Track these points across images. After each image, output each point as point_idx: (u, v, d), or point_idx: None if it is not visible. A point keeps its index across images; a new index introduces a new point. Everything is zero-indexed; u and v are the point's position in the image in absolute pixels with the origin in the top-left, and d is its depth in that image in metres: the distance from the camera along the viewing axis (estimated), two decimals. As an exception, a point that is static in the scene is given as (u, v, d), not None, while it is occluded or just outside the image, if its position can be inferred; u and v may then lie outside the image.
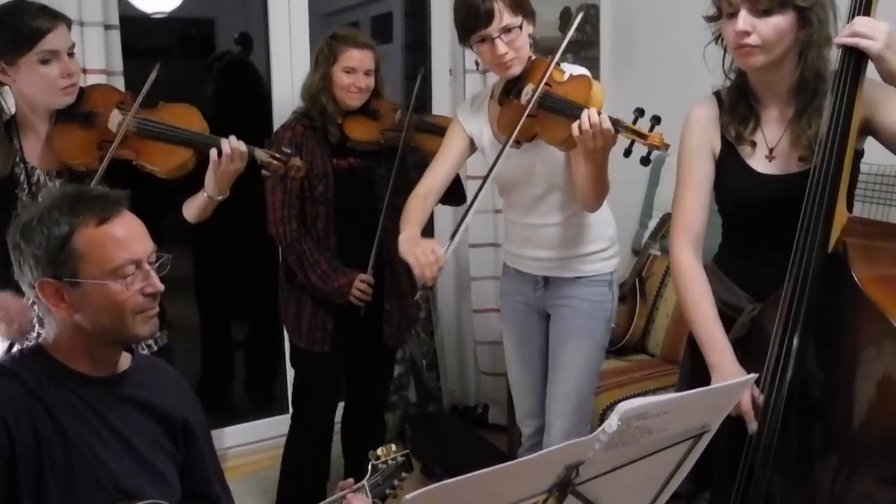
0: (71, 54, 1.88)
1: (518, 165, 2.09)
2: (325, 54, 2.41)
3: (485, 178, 2.03)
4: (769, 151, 1.71)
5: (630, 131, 1.73)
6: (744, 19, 1.58)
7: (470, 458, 3.07)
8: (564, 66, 2.05)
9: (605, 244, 2.22)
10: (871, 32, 1.44)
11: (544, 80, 1.94)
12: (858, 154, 1.68)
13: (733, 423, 1.59)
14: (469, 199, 2.14)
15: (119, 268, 1.36)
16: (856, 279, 1.49)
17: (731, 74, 1.76)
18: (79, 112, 1.94)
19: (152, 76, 1.94)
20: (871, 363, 1.48)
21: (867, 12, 1.49)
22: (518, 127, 1.94)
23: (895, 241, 1.60)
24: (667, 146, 1.71)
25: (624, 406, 0.97)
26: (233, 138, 1.93)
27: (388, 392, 2.86)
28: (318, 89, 2.40)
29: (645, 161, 1.74)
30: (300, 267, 2.42)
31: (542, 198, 2.14)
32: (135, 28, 2.00)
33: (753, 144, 1.72)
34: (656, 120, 1.72)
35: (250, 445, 3.17)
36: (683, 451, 1.14)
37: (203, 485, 1.57)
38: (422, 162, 2.51)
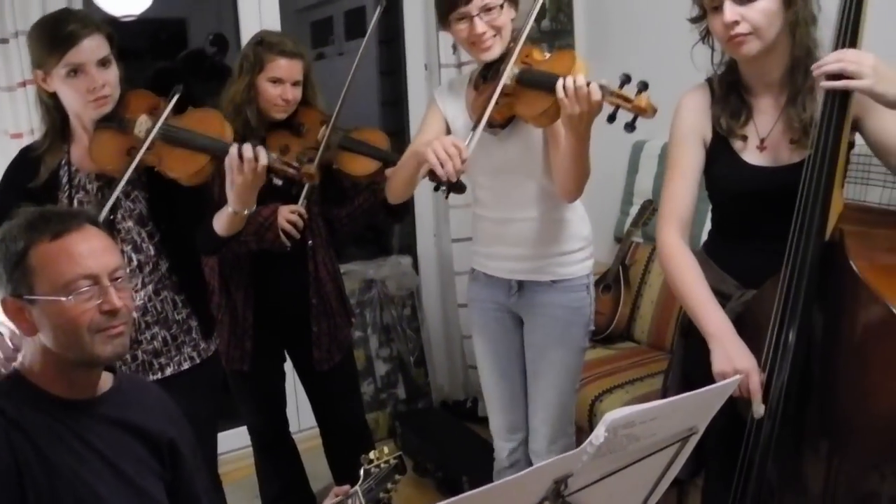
0: (104, 64, 1.85)
1: (493, 154, 2.00)
2: (250, 61, 2.24)
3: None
4: (760, 142, 1.71)
5: (616, 96, 1.65)
6: (730, 10, 1.58)
7: (461, 453, 3.07)
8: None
9: (581, 244, 2.13)
10: (858, 70, 1.43)
11: (516, 55, 1.86)
12: (849, 145, 1.68)
13: (726, 407, 1.58)
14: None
15: (70, 283, 1.33)
16: (853, 266, 1.49)
17: (720, 70, 1.75)
18: (116, 118, 1.93)
19: (177, 91, 1.93)
20: (868, 348, 1.48)
21: (853, 43, 1.48)
22: (493, 100, 1.84)
23: (890, 228, 1.61)
24: (654, 110, 1.62)
25: (611, 416, 0.96)
26: (247, 146, 1.84)
27: (359, 412, 2.70)
28: (243, 100, 2.25)
29: (630, 127, 1.64)
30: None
31: (516, 188, 2.05)
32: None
33: (744, 138, 1.71)
34: (643, 85, 1.63)
35: (243, 450, 3.14)
36: (672, 454, 1.14)
37: (192, 502, 1.56)
38: (347, 182, 2.38)
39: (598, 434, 0.94)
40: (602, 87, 1.67)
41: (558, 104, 1.72)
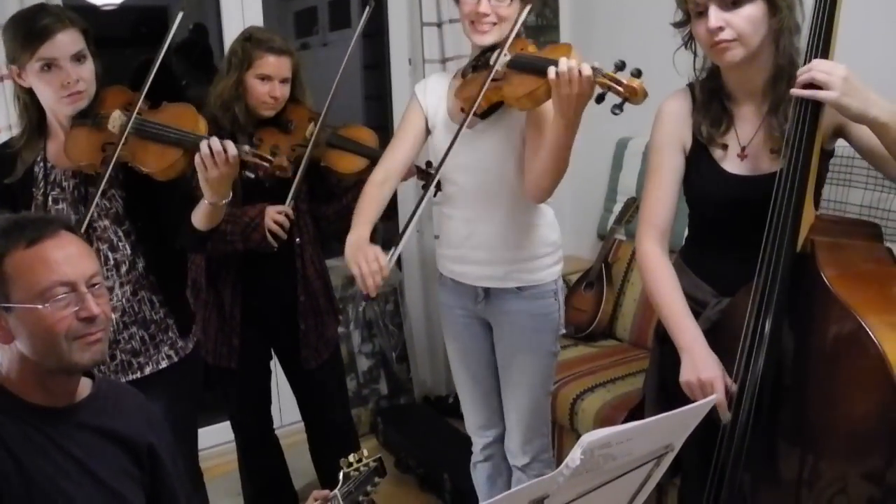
0: (79, 59, 1.84)
1: (467, 148, 1.98)
2: (238, 57, 2.24)
3: (440, 162, 1.92)
4: (741, 150, 1.71)
5: (607, 77, 1.63)
6: (715, 15, 1.57)
7: (443, 449, 3.08)
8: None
9: (549, 249, 2.12)
10: (828, 80, 1.42)
11: (509, 43, 1.86)
12: (828, 154, 1.69)
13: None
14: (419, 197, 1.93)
15: (46, 290, 1.32)
16: (824, 277, 1.50)
17: (702, 76, 1.74)
18: (91, 114, 1.91)
19: (150, 76, 1.91)
20: (836, 358, 1.49)
21: (825, 54, 1.48)
22: (484, 87, 1.83)
23: (860, 238, 1.62)
24: (646, 94, 1.59)
25: (587, 438, 0.96)
26: (215, 139, 1.82)
27: (346, 410, 2.71)
28: (232, 97, 2.24)
29: (617, 109, 1.62)
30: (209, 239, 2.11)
31: (486, 186, 2.03)
32: (83, 18, 1.92)
33: (725, 147, 1.71)
34: (637, 72, 1.61)
35: (226, 445, 3.13)
36: (648, 470, 1.15)
37: (172, 508, 1.56)
38: (334, 180, 2.37)
39: (574, 457, 0.95)
40: (594, 68, 1.65)
41: (546, 86, 1.71)
